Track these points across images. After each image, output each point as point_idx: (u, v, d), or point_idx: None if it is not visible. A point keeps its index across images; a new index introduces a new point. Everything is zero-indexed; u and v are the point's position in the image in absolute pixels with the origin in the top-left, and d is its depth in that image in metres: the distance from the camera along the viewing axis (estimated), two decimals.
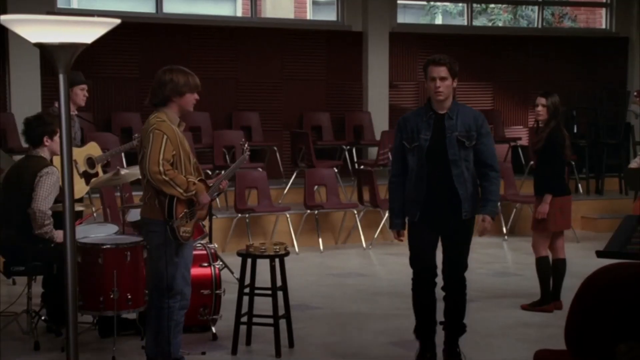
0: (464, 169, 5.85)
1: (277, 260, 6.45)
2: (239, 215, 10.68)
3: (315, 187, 11.24)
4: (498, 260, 10.43)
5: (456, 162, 5.84)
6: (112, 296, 6.26)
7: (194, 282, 6.04)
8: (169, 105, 5.64)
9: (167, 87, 5.62)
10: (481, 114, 6.05)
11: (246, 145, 6.92)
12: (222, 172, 11.00)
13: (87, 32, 2.80)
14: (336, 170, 11.80)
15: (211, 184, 5.96)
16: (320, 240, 11.00)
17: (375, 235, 11.32)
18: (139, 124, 11.65)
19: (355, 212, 11.35)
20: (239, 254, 6.61)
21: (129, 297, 6.32)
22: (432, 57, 5.95)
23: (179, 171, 5.58)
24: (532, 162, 7.85)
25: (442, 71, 5.85)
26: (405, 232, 6.12)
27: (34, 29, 2.76)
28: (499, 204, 5.70)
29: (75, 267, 2.98)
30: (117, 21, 2.88)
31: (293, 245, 10.63)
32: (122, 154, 10.76)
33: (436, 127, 5.88)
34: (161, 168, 5.46)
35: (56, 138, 6.63)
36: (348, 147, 13.03)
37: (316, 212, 11.05)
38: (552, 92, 7.77)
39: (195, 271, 6.51)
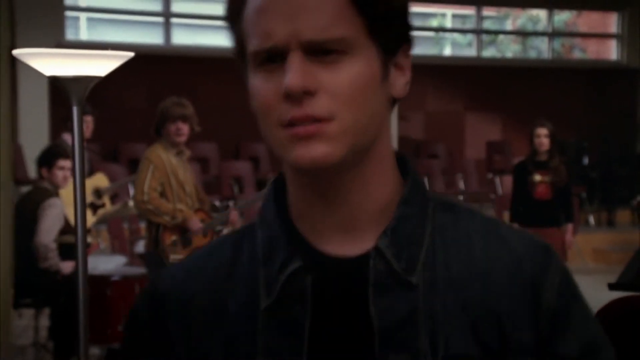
0: None
1: None
2: None
3: None
4: None
5: None
6: (120, 329, 6.21)
7: None
8: (162, 135, 5.75)
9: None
10: (546, 246, 1.12)
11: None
12: (231, 204, 11.05)
13: (101, 65, 2.81)
14: None
15: (216, 215, 5.95)
16: None
17: None
18: None
19: None
20: None
21: None
22: None
23: (170, 200, 5.60)
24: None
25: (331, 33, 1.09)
26: None
27: (48, 62, 2.78)
28: None
29: (87, 300, 2.95)
30: (131, 54, 2.88)
31: None
32: (130, 186, 10.73)
33: (328, 322, 1.09)
34: (145, 197, 5.51)
35: (55, 170, 6.59)
36: None
37: None
38: (545, 120, 7.74)
39: None
